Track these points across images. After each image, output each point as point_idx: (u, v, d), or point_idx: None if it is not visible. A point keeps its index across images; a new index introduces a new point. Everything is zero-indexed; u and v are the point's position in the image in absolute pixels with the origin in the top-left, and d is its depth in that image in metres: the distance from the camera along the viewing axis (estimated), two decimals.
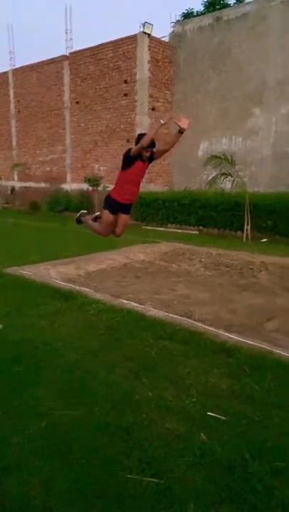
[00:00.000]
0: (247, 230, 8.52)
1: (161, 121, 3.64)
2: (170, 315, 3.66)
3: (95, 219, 4.12)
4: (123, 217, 3.85)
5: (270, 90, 10.51)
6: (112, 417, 2.16)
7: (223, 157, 8.58)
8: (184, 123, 3.66)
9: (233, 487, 1.68)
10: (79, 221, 4.21)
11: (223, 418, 2.14)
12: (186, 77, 12.11)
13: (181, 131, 3.73)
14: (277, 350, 2.93)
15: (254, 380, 2.50)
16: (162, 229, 10.14)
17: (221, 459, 1.84)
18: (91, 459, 1.84)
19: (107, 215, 3.79)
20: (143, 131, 4.48)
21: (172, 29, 12.54)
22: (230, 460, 1.83)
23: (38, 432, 2.03)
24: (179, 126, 3.65)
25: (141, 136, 3.93)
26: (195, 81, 11.91)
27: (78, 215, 4.23)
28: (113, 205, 3.81)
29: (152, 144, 3.80)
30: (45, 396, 2.34)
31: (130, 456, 1.84)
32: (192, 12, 17.24)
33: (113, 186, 3.99)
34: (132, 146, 3.86)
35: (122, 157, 3.97)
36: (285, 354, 2.86)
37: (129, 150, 3.82)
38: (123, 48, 11.73)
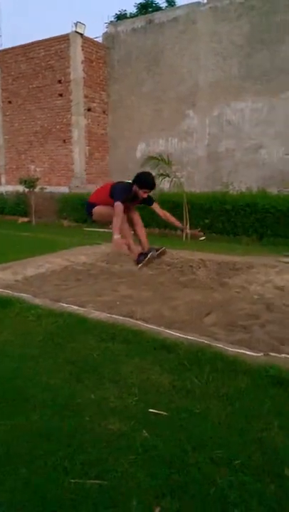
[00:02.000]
0: (186, 228, 8.74)
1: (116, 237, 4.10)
2: (112, 316, 3.67)
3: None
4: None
5: (202, 93, 10.89)
6: (53, 423, 2.12)
7: (160, 158, 8.74)
8: (193, 234, 4.20)
9: (174, 479, 1.73)
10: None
11: (165, 413, 2.19)
12: (121, 78, 12.19)
13: (182, 230, 4.19)
14: (215, 344, 3.05)
15: (194, 374, 2.58)
16: (103, 230, 10.11)
17: (163, 453, 1.88)
18: (32, 468, 1.80)
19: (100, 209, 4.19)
20: (144, 173, 4.60)
21: (105, 30, 12.55)
22: (171, 453, 1.87)
23: None
24: (187, 230, 4.15)
25: (140, 177, 4.11)
26: (130, 82, 12.03)
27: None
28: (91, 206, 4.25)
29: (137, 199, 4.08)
30: None
31: (73, 461, 1.83)
32: (125, 14, 17.38)
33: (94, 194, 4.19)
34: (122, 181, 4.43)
35: (111, 187, 4.35)
36: (222, 346, 2.98)
37: (115, 192, 4.13)
38: (55, 47, 11.55)
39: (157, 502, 1.62)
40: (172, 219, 4.74)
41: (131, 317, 3.68)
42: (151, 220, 9.60)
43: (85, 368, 2.69)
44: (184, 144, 11.39)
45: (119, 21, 14.55)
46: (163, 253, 4.29)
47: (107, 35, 12.40)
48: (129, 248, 4.33)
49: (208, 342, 3.06)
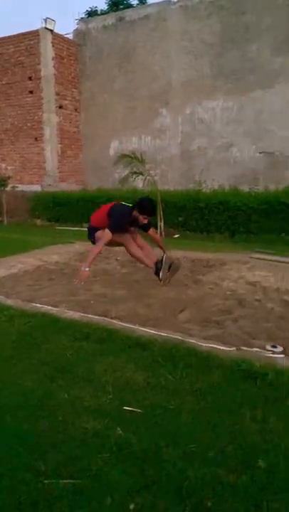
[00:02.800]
0: (160, 226, 8.79)
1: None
2: (86, 315, 3.65)
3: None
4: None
5: (175, 91, 10.95)
6: (27, 424, 2.10)
7: (133, 156, 8.73)
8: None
9: (149, 475, 1.74)
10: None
11: (139, 410, 2.21)
12: (93, 76, 12.10)
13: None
14: (189, 340, 3.09)
15: (168, 370, 2.61)
16: (77, 229, 10.03)
17: (137, 450, 1.89)
18: (4, 471, 1.77)
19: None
20: (147, 199, 4.48)
21: (76, 27, 12.43)
22: (146, 450, 1.89)
23: None
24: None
25: (142, 203, 4.16)
26: (102, 80, 11.96)
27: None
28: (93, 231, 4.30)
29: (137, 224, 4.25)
30: None
31: (46, 461, 1.81)
32: (96, 10, 17.24)
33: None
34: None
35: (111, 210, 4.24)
36: (195, 342, 3.02)
37: (113, 218, 4.09)
38: (25, 43, 11.34)
39: (132, 498, 1.63)
40: (160, 244, 4.68)
41: (105, 316, 3.68)
42: None
43: (59, 368, 2.67)
44: (158, 142, 11.42)
45: (90, 18, 14.43)
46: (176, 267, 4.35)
47: (77, 32, 12.27)
48: (147, 266, 4.34)
49: (181, 338, 3.09)
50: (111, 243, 4.24)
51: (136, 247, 4.28)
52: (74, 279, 4.02)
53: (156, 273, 4.31)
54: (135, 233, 4.43)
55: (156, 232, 4.80)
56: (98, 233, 4.25)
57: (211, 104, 10.49)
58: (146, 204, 4.18)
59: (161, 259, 4.29)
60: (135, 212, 4.17)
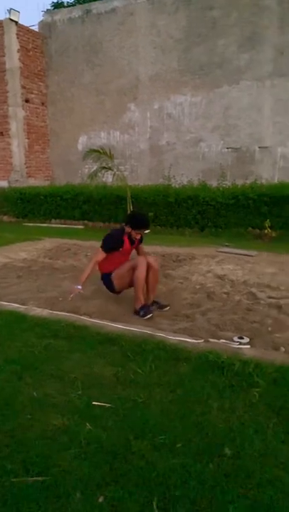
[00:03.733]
0: None
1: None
2: (55, 312, 3.62)
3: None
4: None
5: (143, 86, 10.93)
6: None
7: (102, 151, 8.67)
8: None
9: (118, 468, 1.75)
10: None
11: (108, 405, 2.21)
12: (60, 69, 11.90)
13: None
14: (158, 333, 3.12)
15: (137, 364, 2.62)
16: (45, 225, 9.90)
17: (106, 444, 1.90)
18: None
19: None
20: (138, 212, 4.22)
21: (41, 18, 12.17)
22: (115, 444, 1.90)
23: None
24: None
25: (134, 217, 3.84)
26: (69, 73, 11.78)
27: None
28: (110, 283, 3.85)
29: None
30: None
31: (13, 460, 1.79)
32: (62, 2, 16.91)
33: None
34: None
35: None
36: (165, 336, 3.05)
37: (103, 241, 3.77)
38: None
39: (101, 492, 1.64)
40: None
41: (75, 313, 3.65)
42: (94, 213, 9.56)
43: (27, 365, 2.64)
44: (126, 137, 11.38)
45: (55, 10, 14.13)
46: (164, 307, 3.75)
47: (43, 24, 12.01)
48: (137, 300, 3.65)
49: (151, 332, 3.12)
50: (123, 283, 3.82)
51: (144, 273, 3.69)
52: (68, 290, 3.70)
53: (138, 313, 3.63)
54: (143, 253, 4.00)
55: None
56: (115, 274, 3.81)
57: (179, 99, 10.54)
58: (138, 217, 3.80)
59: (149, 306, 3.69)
60: (127, 229, 3.76)
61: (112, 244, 3.72)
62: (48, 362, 2.69)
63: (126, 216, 4.04)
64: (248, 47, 9.59)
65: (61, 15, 11.79)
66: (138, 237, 3.82)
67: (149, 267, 3.67)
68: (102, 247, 3.74)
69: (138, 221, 3.76)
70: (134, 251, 4.07)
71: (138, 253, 4.09)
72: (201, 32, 10.00)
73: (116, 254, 3.78)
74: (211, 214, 8.27)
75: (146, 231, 3.88)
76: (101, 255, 3.73)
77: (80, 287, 3.74)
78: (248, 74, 9.67)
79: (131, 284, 3.75)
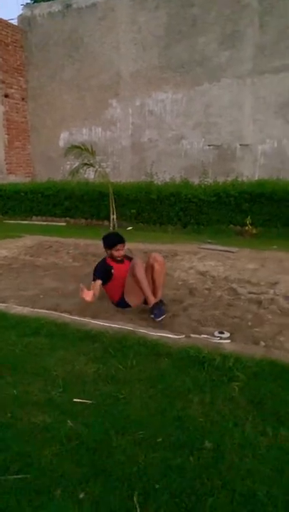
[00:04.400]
0: (113, 219, 8.77)
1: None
2: (35, 310, 3.59)
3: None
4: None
5: (124, 82, 10.88)
6: None
7: (83, 147, 8.62)
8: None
9: (99, 464, 1.76)
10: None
11: (90, 402, 2.21)
12: (40, 64, 11.75)
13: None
14: (140, 329, 3.12)
15: (118, 361, 2.63)
16: (26, 222, 9.79)
17: (87, 440, 1.90)
18: None
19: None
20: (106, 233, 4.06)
21: (21, 12, 11.98)
22: (96, 440, 1.90)
23: None
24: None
25: (103, 240, 3.84)
26: (50, 69, 11.65)
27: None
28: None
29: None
30: None
31: None
32: None
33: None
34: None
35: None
36: (146, 332, 3.06)
37: (101, 271, 3.69)
38: None
39: (82, 488, 1.65)
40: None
41: (55, 310, 3.63)
42: (76, 210, 9.50)
43: (7, 364, 2.62)
44: (108, 134, 11.33)
45: (35, 4, 13.92)
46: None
47: (22, 18, 11.82)
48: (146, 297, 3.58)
49: (132, 329, 3.13)
50: (136, 298, 3.74)
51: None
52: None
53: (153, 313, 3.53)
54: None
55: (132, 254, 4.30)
56: (126, 294, 3.75)
57: (160, 96, 10.54)
58: (108, 236, 3.92)
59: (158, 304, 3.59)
60: (107, 252, 3.87)
61: (100, 272, 3.72)
62: (28, 360, 2.68)
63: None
64: (229, 44, 9.65)
65: (41, 9, 11.62)
66: (119, 254, 3.79)
67: (153, 261, 3.70)
68: (94, 275, 3.74)
69: (109, 239, 3.86)
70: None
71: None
72: (182, 29, 10.01)
73: (115, 281, 3.73)
74: (193, 211, 8.31)
75: (124, 246, 3.86)
76: (98, 282, 3.64)
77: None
78: (229, 72, 9.74)
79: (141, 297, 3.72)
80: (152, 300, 3.56)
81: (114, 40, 10.76)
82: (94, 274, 3.70)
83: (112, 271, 3.72)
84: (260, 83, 9.49)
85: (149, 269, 3.70)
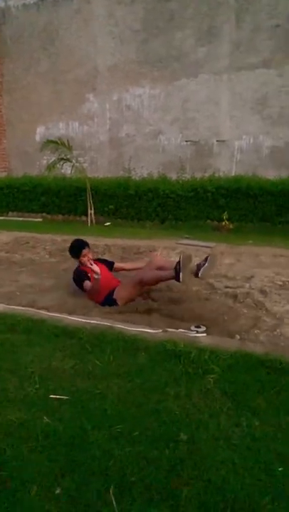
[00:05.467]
0: (91, 214, 8.73)
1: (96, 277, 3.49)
2: (11, 307, 3.55)
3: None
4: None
5: (101, 76, 10.78)
6: None
7: (59, 142, 8.52)
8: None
9: (75, 459, 1.77)
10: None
11: (66, 397, 2.21)
12: (15, 57, 11.51)
13: None
14: (117, 325, 3.13)
15: (95, 356, 2.63)
16: (2, 218, 9.62)
17: (63, 436, 1.91)
18: None
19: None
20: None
21: None
22: (72, 435, 1.91)
23: None
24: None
25: (69, 250, 3.96)
26: (25, 62, 11.43)
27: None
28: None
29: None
30: None
31: None
32: None
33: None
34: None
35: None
36: (124, 327, 3.07)
37: (78, 280, 3.75)
38: None
39: (58, 483, 1.65)
40: (133, 266, 4.29)
41: (32, 307, 3.60)
42: (53, 205, 9.40)
43: None
44: (86, 128, 11.22)
45: None
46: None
47: None
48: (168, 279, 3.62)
49: (110, 324, 3.13)
50: (129, 299, 3.74)
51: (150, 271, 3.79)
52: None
53: (177, 278, 3.49)
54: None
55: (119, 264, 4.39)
56: (119, 296, 3.71)
57: (138, 91, 10.50)
58: (71, 245, 3.97)
59: (179, 260, 3.54)
60: (77, 261, 3.92)
61: (79, 281, 3.80)
62: (4, 357, 2.65)
63: None
64: (206, 40, 9.68)
65: (15, 0, 11.37)
66: (88, 258, 3.79)
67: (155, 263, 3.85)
68: (80, 283, 3.79)
69: (73, 249, 3.95)
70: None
71: (122, 269, 4.27)
72: (159, 24, 9.98)
73: (95, 284, 3.68)
74: (171, 206, 8.35)
75: (89, 250, 3.93)
76: (89, 285, 3.70)
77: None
78: (206, 67, 9.78)
79: (139, 295, 3.81)
80: (172, 272, 3.50)
81: (91, 34, 10.64)
82: (80, 283, 3.76)
83: (88, 274, 3.73)
84: (236, 79, 9.57)
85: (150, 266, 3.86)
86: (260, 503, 1.55)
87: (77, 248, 3.91)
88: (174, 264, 3.54)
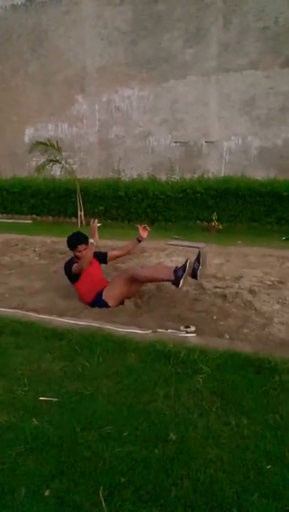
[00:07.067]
0: (81, 216, 8.72)
1: (92, 242, 3.54)
2: (0, 309, 3.52)
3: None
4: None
5: (90, 78, 10.79)
6: None
7: (49, 143, 8.50)
8: (143, 232, 3.82)
9: (64, 461, 1.76)
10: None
11: (55, 399, 2.20)
12: (3, 59, 11.46)
13: (139, 240, 3.84)
14: (107, 326, 3.13)
15: (85, 358, 2.63)
16: None
17: (53, 438, 1.90)
18: None
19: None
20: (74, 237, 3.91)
21: None
22: (62, 437, 1.90)
23: None
24: (138, 234, 3.78)
25: (67, 242, 3.82)
26: (14, 63, 11.39)
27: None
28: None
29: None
30: None
31: None
32: None
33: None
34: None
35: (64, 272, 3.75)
36: (113, 328, 3.07)
37: (69, 267, 3.66)
38: None
39: (47, 485, 1.64)
40: (124, 252, 4.30)
41: (21, 309, 3.58)
42: (43, 207, 9.36)
43: None
44: (75, 130, 11.21)
45: None
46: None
47: None
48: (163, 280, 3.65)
49: (99, 325, 3.13)
50: (120, 299, 3.75)
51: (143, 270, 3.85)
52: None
53: (176, 282, 3.49)
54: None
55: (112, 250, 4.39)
56: (108, 296, 3.71)
57: (127, 93, 10.52)
58: (69, 238, 3.90)
59: (185, 265, 3.52)
60: (72, 254, 3.89)
61: (68, 269, 3.78)
62: None
63: None
64: (194, 42, 9.74)
65: (3, 1, 11.32)
66: (81, 255, 3.76)
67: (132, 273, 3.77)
68: (69, 272, 3.77)
69: (70, 241, 3.88)
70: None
71: (116, 256, 4.24)
72: (147, 25, 10.02)
73: (85, 278, 3.72)
74: (160, 207, 8.37)
75: (86, 247, 3.78)
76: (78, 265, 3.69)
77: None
78: (194, 69, 9.84)
79: (128, 295, 3.79)
80: (170, 275, 3.52)
81: (80, 35, 10.64)
82: (69, 272, 3.74)
83: (78, 261, 3.73)
84: (224, 80, 9.64)
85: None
86: (248, 500, 1.56)
87: (74, 242, 3.84)
88: (174, 267, 3.57)
